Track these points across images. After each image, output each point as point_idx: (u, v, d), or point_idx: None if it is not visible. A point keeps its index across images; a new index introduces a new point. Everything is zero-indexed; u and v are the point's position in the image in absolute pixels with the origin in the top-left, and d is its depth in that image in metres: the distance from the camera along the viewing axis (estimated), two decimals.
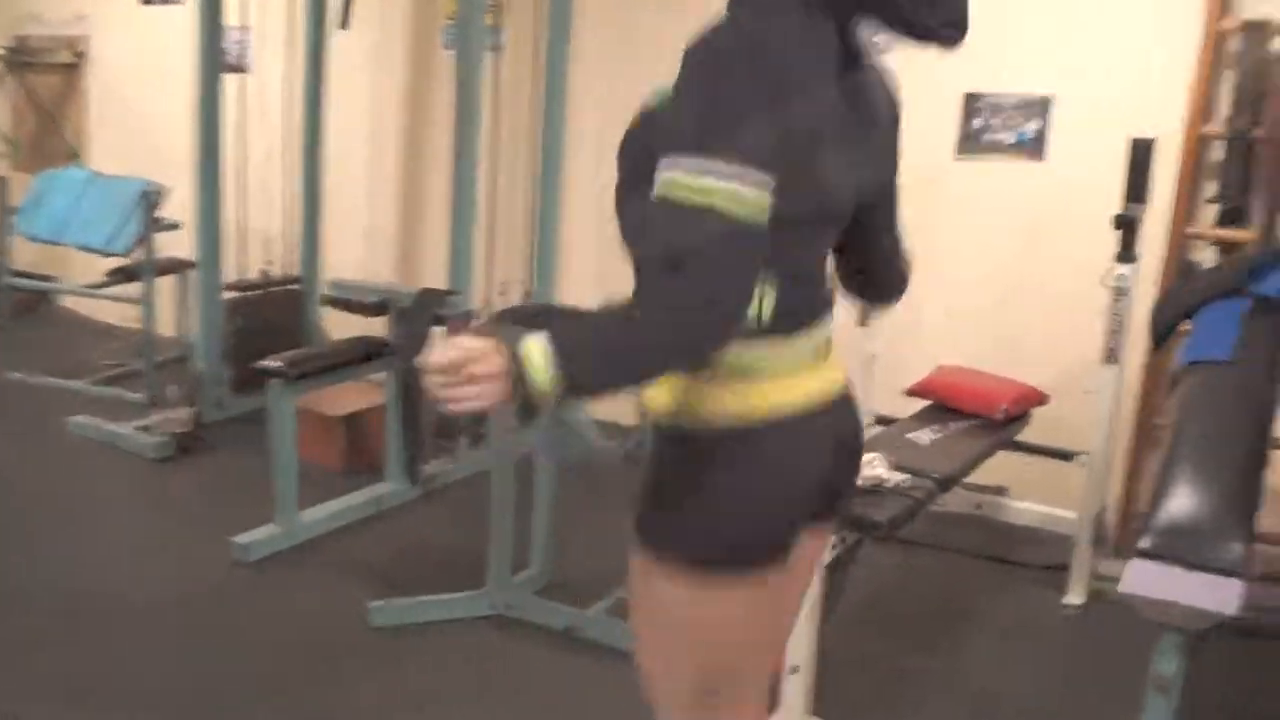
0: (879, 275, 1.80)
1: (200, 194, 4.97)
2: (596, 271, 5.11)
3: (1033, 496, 4.17)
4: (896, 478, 2.99)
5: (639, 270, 1.37)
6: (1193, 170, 3.87)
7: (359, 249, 5.84)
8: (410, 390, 4.05)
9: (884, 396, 3.67)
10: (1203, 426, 3.00)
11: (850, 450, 1.68)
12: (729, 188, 1.30)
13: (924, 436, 3.54)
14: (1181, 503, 2.76)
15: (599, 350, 1.34)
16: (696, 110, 1.35)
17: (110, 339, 6.27)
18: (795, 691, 2.77)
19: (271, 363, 3.80)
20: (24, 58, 7.08)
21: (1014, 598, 3.77)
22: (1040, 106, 4.17)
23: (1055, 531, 3.94)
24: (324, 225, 5.46)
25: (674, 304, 1.31)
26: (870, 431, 3.36)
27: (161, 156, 5.71)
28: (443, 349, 1.32)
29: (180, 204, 5.14)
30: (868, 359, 3.20)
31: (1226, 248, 3.85)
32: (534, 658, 3.24)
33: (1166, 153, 3.66)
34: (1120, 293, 3.52)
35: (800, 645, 2.73)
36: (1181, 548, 2.63)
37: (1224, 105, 3.82)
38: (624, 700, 3.01)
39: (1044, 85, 4.15)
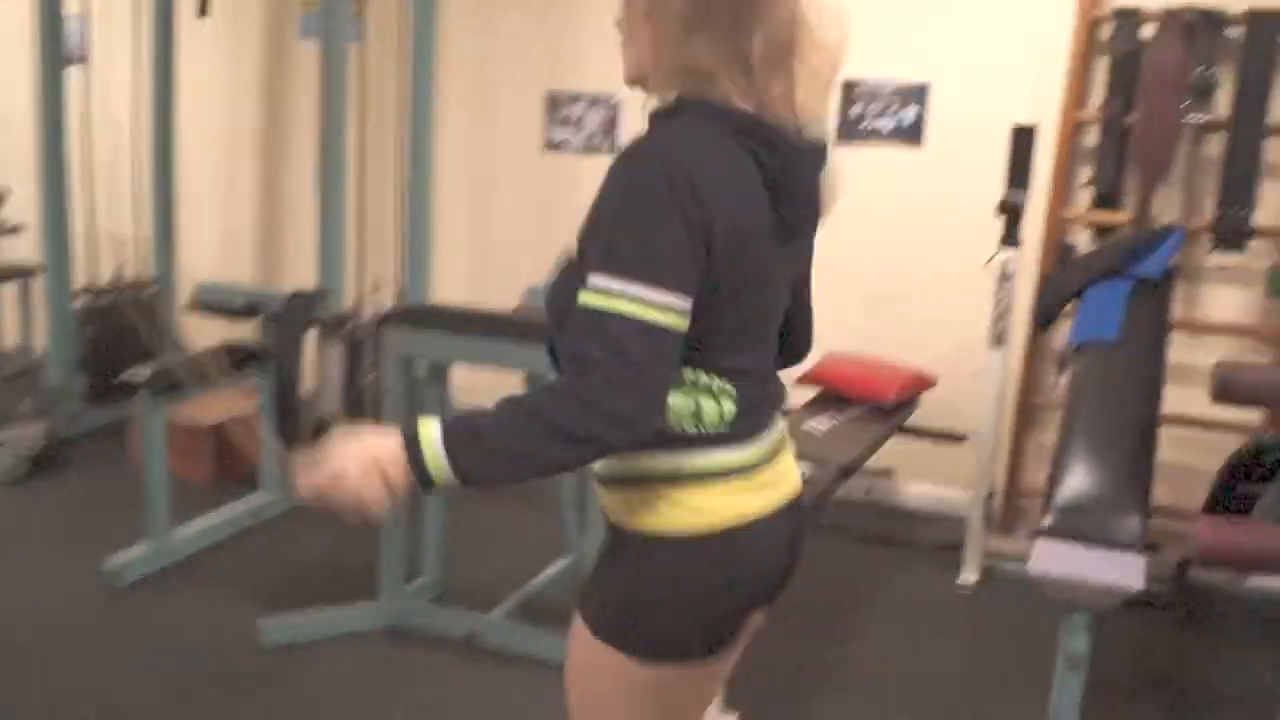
0: (791, 338, 1.77)
1: (45, 194, 4.67)
2: (468, 268, 5.01)
3: (920, 479, 4.22)
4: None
5: (565, 363, 1.37)
6: (1068, 155, 3.96)
7: (217, 250, 5.60)
8: (286, 396, 3.89)
9: None
10: (1095, 406, 3.08)
11: (800, 540, 1.65)
12: (637, 294, 1.32)
13: (820, 425, 3.54)
14: (1080, 481, 2.82)
15: (491, 442, 1.34)
16: (610, 229, 1.35)
17: None
18: None
19: (139, 373, 3.58)
20: None
21: (909, 580, 3.81)
22: (917, 93, 4.22)
23: (944, 512, 4.00)
24: (179, 226, 5.21)
25: (580, 396, 1.31)
26: None
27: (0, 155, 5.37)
28: (306, 474, 1.39)
29: (23, 205, 4.83)
30: None
31: (1101, 230, 3.95)
32: (436, 669, 3.13)
33: (1043, 138, 3.73)
34: (1005, 276, 3.58)
35: None
36: (1083, 525, 2.69)
37: (1098, 91, 3.92)
38: (532, 707, 2.95)
39: (921, 73, 4.20)
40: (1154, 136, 3.76)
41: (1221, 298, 3.94)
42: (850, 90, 4.28)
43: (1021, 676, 3.18)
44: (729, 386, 1.46)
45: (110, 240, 5.36)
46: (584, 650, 1.56)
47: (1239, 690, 3.20)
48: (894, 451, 4.09)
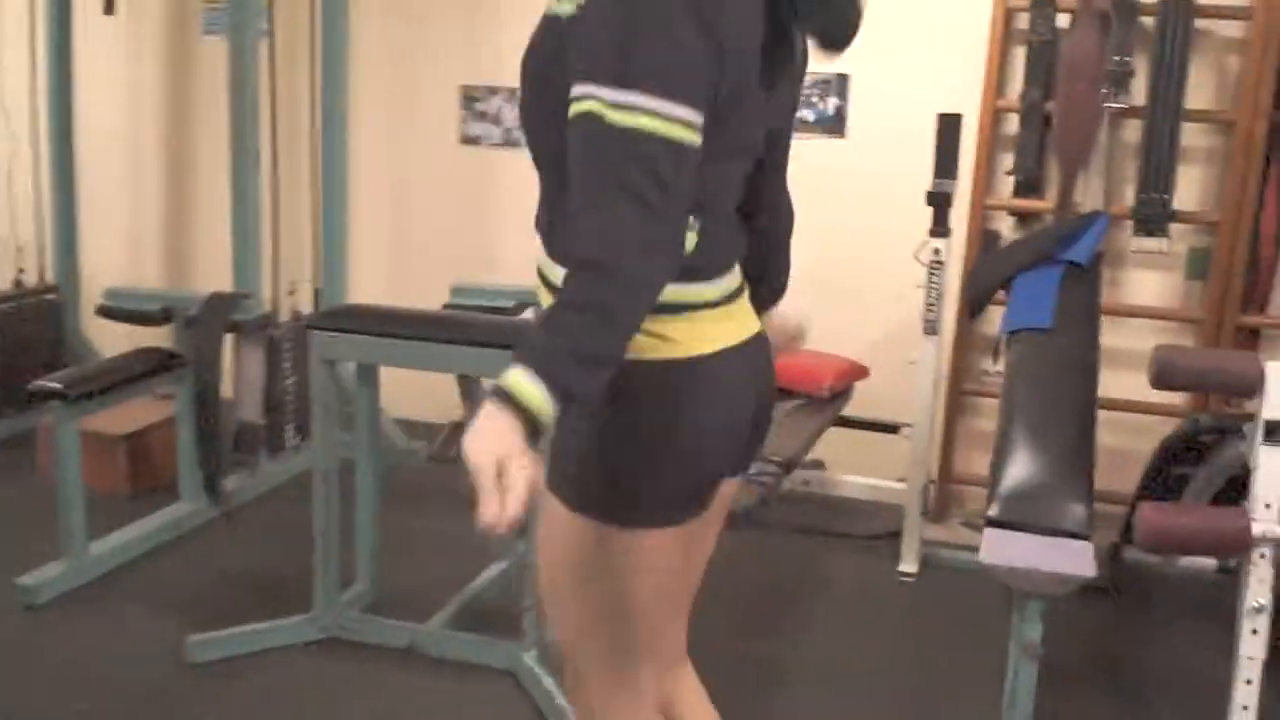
0: (768, 224, 1.80)
1: None
2: (388, 266, 4.90)
3: (853, 469, 4.22)
4: None
5: (582, 199, 1.29)
6: (990, 143, 3.99)
7: (122, 253, 5.39)
8: (207, 403, 3.76)
9: None
10: (1034, 393, 3.10)
11: (767, 388, 1.64)
12: (658, 109, 1.25)
13: None
14: (1023, 469, 2.84)
15: (570, 345, 1.25)
16: (624, 32, 1.27)
17: None
18: None
19: (49, 383, 3.42)
20: None
21: (849, 571, 3.81)
22: (838, 84, 4.22)
23: (880, 502, 4.00)
24: (81, 229, 5.00)
25: (624, 225, 1.24)
26: None
27: None
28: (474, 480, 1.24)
29: None
30: None
31: (1024, 218, 4.00)
32: (375, 681, 3.03)
33: (965, 127, 3.75)
34: (937, 265, 3.59)
35: None
36: (1031, 513, 2.71)
37: (1017, 80, 3.96)
38: (477, 715, 2.88)
39: (840, 63, 4.19)
40: (1073, 124, 3.81)
41: (1143, 282, 4.01)
42: None
43: (968, 662, 3.20)
44: (691, 218, 1.41)
45: (8, 245, 5.14)
46: (566, 534, 1.52)
47: (1171, 669, 3.26)
48: (825, 442, 4.09)
